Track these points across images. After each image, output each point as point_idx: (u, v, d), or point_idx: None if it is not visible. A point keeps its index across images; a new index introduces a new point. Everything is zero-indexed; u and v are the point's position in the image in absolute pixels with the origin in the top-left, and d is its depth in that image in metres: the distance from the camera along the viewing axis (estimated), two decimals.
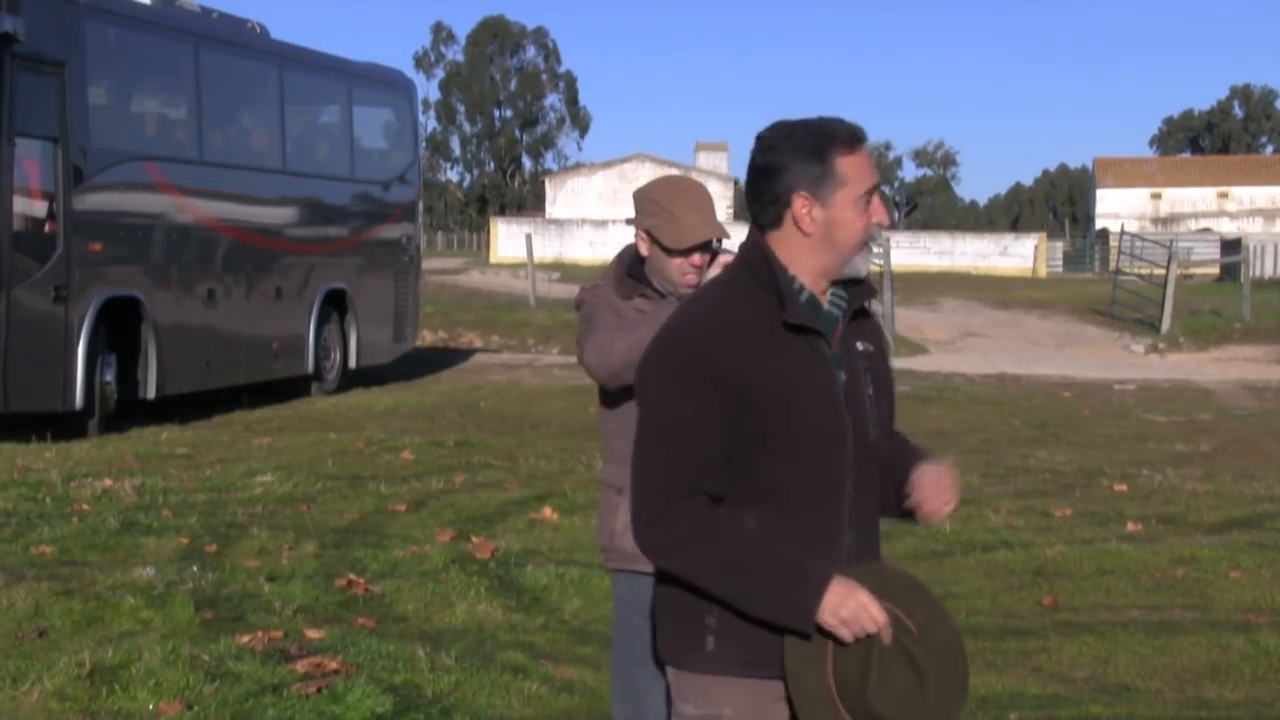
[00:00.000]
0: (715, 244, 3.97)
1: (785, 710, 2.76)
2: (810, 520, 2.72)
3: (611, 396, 3.95)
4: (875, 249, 2.79)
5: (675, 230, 3.87)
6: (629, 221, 4.06)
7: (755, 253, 2.79)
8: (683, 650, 2.78)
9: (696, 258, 3.89)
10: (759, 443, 2.70)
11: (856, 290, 2.84)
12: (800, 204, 2.74)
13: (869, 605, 2.62)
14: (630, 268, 4.01)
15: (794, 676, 2.68)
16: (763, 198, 2.76)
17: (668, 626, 2.82)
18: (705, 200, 3.94)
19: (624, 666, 4.12)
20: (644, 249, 3.96)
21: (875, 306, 2.97)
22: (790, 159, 2.73)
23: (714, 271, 3.77)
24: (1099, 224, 78.29)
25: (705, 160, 69.13)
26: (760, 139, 2.78)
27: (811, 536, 2.71)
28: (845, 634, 2.62)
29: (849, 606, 2.62)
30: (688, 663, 2.77)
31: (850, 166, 2.74)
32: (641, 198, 3.98)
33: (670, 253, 3.89)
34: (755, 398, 2.68)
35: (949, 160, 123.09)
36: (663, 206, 3.90)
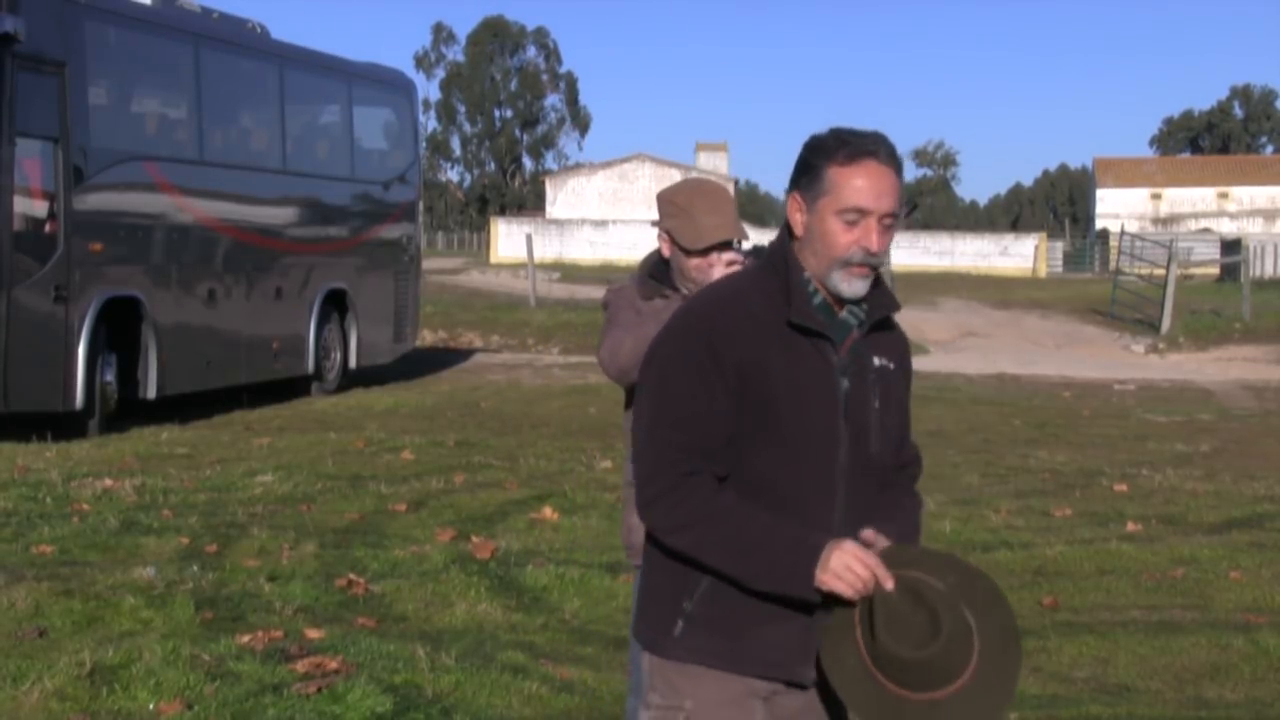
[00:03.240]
0: (735, 245, 4.01)
1: (758, 708, 2.75)
2: (801, 519, 2.72)
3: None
4: (862, 275, 2.68)
5: (693, 231, 3.95)
6: (653, 224, 4.13)
7: (776, 248, 2.81)
8: (655, 635, 2.80)
9: (715, 257, 3.93)
10: (753, 435, 2.72)
11: (878, 302, 2.81)
12: (791, 204, 2.78)
13: (858, 555, 2.63)
14: (654, 269, 4.09)
15: (830, 662, 2.67)
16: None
17: (645, 611, 2.85)
18: (725, 202, 4.01)
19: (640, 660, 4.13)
20: (666, 250, 4.05)
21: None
22: (800, 159, 2.77)
23: (718, 272, 3.79)
24: (1099, 224, 78.30)
25: (705, 160, 69.08)
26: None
27: None
28: (843, 588, 2.62)
29: (838, 559, 2.62)
30: (658, 647, 2.79)
31: (839, 177, 2.71)
32: (663, 199, 4.07)
33: (689, 253, 3.97)
34: (755, 388, 2.70)
35: (949, 160, 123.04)
36: (681, 208, 3.99)
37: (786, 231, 2.80)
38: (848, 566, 2.62)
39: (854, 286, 2.74)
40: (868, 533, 2.74)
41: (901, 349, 2.91)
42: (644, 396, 2.80)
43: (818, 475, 2.74)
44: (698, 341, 2.72)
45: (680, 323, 2.78)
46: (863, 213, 2.70)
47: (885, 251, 2.76)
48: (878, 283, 2.81)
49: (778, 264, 2.78)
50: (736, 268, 3.74)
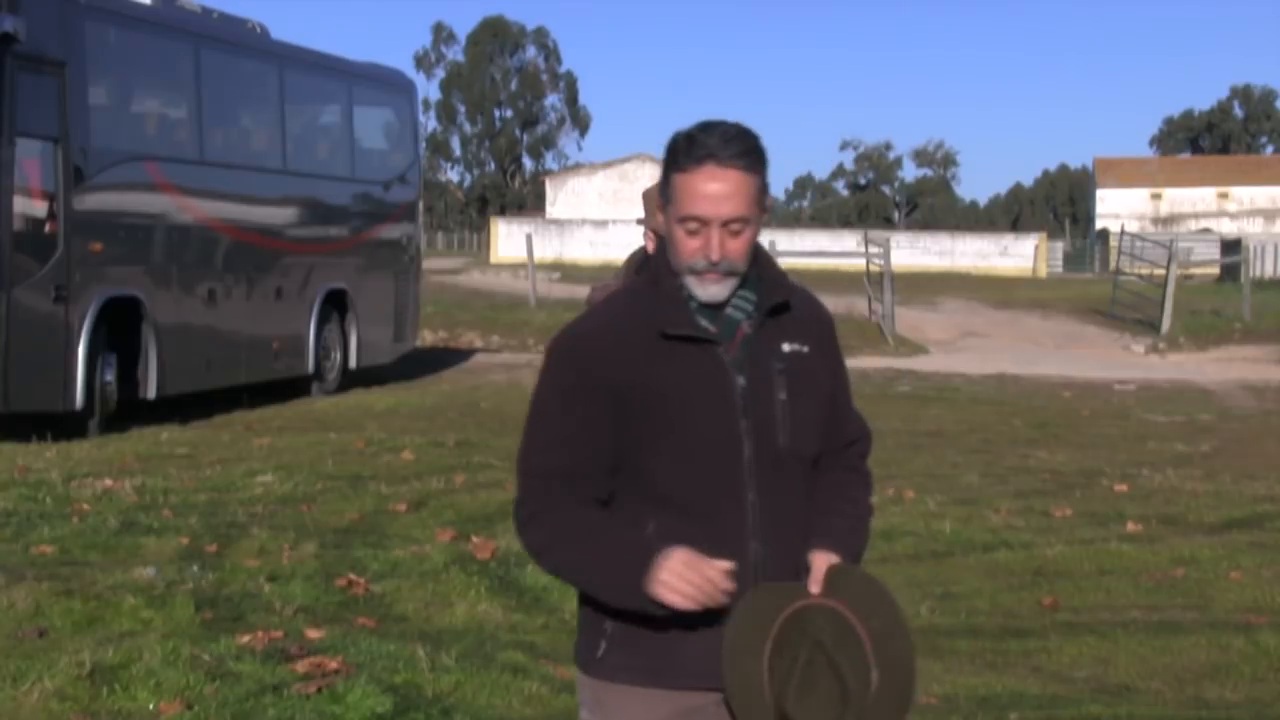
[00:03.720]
0: None
1: None
2: (711, 529, 2.63)
3: None
4: (714, 281, 2.62)
5: None
6: (639, 221, 4.09)
7: (655, 257, 2.77)
8: (583, 654, 2.76)
9: None
10: (650, 449, 2.65)
11: (769, 289, 2.72)
12: (659, 207, 2.74)
13: (687, 563, 2.52)
14: (640, 267, 4.04)
15: (733, 689, 2.60)
16: None
17: (579, 629, 2.80)
18: None
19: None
20: (651, 248, 4.00)
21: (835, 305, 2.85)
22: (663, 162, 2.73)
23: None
24: (1099, 224, 78.30)
25: None
26: None
27: (713, 545, 2.61)
28: (675, 599, 2.52)
29: (666, 570, 2.52)
30: (587, 667, 2.75)
31: (680, 183, 2.63)
32: (648, 198, 4.02)
33: None
34: (640, 405, 2.63)
35: (949, 160, 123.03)
36: None
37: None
38: (677, 575, 2.52)
39: (708, 292, 2.65)
40: (816, 557, 2.66)
41: (817, 329, 2.79)
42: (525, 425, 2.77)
43: (723, 481, 2.65)
44: (567, 367, 2.68)
45: (551, 350, 2.74)
46: (701, 221, 2.61)
47: (743, 256, 2.65)
48: (769, 267, 2.73)
49: (657, 270, 2.72)
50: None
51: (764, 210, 2.68)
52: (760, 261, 2.72)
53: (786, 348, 2.72)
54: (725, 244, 2.62)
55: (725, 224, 2.61)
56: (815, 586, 2.64)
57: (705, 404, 2.64)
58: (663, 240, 2.73)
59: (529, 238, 33.49)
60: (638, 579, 2.55)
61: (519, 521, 2.72)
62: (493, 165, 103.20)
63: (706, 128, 2.64)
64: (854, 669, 2.57)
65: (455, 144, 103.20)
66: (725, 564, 2.55)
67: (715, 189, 2.60)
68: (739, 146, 2.62)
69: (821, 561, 2.66)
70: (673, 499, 2.65)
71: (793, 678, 2.57)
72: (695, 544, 2.61)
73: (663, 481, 2.65)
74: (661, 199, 2.69)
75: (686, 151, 2.62)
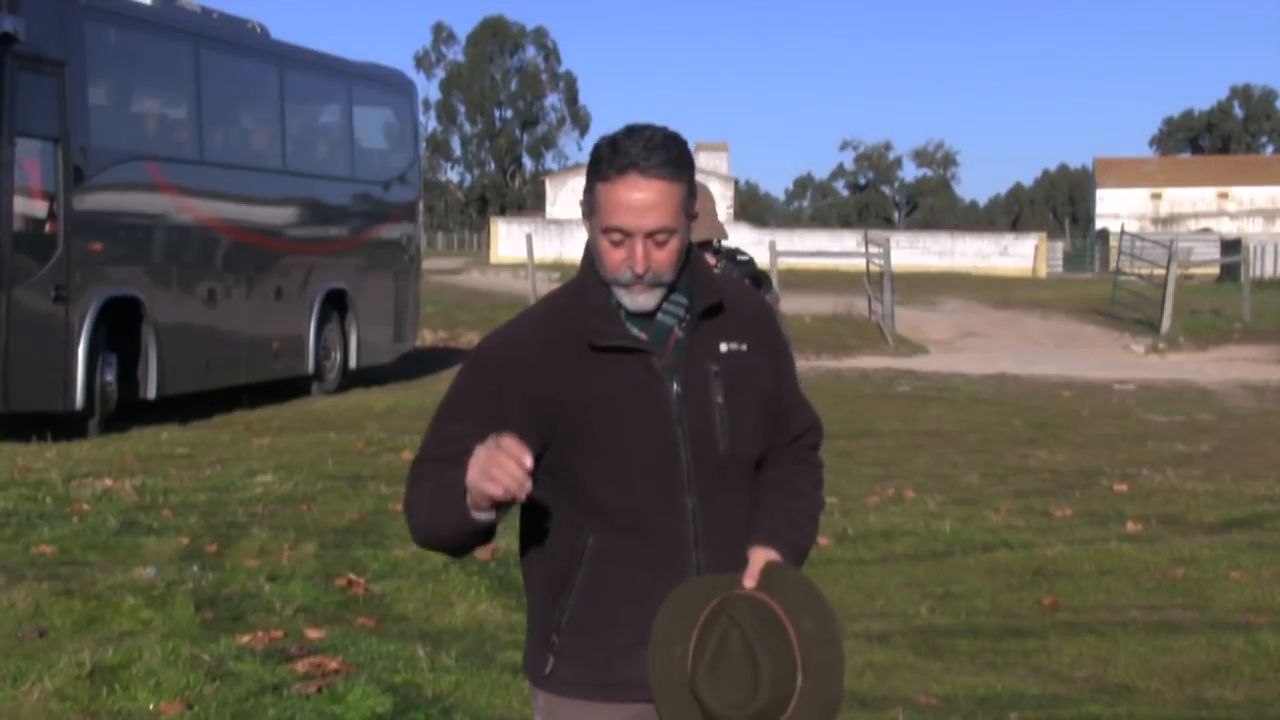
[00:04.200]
0: (715, 245, 3.96)
1: None
2: (650, 540, 2.59)
3: None
4: (642, 291, 2.57)
5: None
6: None
7: (585, 264, 2.68)
8: (533, 668, 2.72)
9: None
10: (583, 463, 2.59)
11: (701, 291, 2.65)
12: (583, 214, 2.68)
13: (503, 446, 2.40)
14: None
15: (654, 676, 2.57)
16: None
17: (527, 642, 2.77)
18: (704, 202, 3.92)
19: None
20: None
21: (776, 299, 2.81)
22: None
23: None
24: (1099, 224, 78.31)
25: (705, 160, 69.08)
26: None
27: (654, 557, 2.59)
28: (489, 486, 2.40)
29: (479, 457, 2.43)
30: (538, 681, 2.71)
31: (603, 194, 2.56)
32: None
33: None
34: (570, 419, 2.57)
35: (949, 160, 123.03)
36: None
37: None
38: (477, 468, 2.42)
39: (636, 302, 2.59)
40: (754, 553, 2.61)
41: (756, 325, 2.73)
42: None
43: (660, 492, 2.58)
44: (482, 376, 2.64)
45: (469, 358, 2.71)
46: (625, 232, 2.55)
47: (669, 266, 2.58)
48: (701, 270, 2.68)
49: (585, 278, 2.66)
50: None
51: (691, 217, 2.62)
52: (692, 264, 2.66)
53: (724, 348, 2.65)
54: (651, 254, 2.56)
55: (650, 235, 2.55)
56: (750, 581, 2.58)
57: (638, 414, 2.57)
58: (589, 249, 2.66)
59: (529, 238, 33.48)
60: (458, 485, 2.48)
61: (403, 502, 2.71)
62: (493, 165, 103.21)
63: (630, 133, 2.57)
64: (774, 661, 2.52)
65: (455, 144, 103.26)
66: (514, 445, 2.41)
67: (639, 199, 2.53)
68: (663, 155, 2.54)
69: (760, 557, 2.61)
70: (608, 511, 2.60)
71: (703, 656, 2.53)
72: (635, 556, 2.59)
73: (598, 495, 2.59)
74: (585, 208, 2.62)
75: (609, 160, 2.55)
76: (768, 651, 2.52)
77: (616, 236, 2.56)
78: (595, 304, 2.62)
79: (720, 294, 2.68)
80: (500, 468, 2.40)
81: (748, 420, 2.65)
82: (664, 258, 2.57)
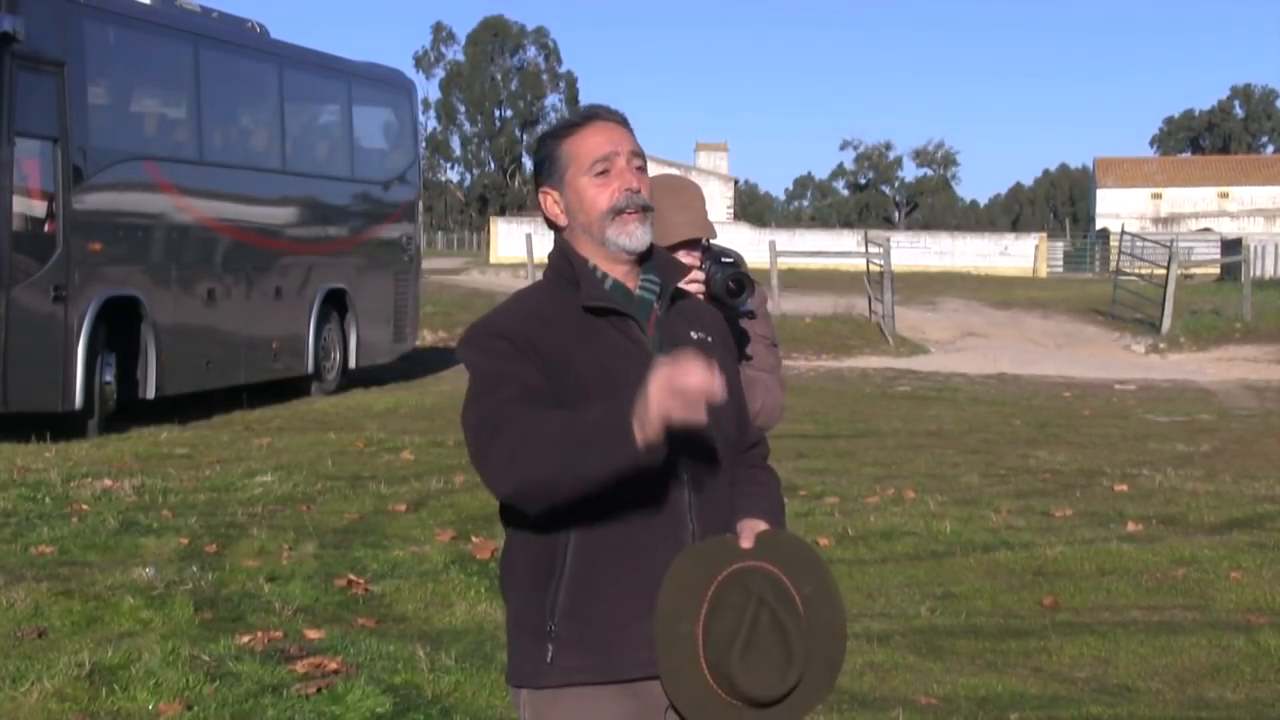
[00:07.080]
0: (704, 243, 3.95)
1: None
2: (644, 508, 2.58)
3: None
4: (638, 221, 2.62)
5: (659, 228, 3.84)
6: None
7: (555, 253, 2.76)
8: (525, 666, 2.66)
9: (683, 255, 3.86)
10: None
11: (666, 270, 2.74)
12: (543, 200, 2.73)
13: (669, 381, 2.34)
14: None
15: (663, 656, 2.55)
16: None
17: (513, 645, 2.71)
18: (693, 199, 3.90)
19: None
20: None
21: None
22: (535, 159, 2.77)
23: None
24: (1099, 224, 78.29)
25: (705, 160, 69.12)
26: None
27: (648, 526, 2.58)
28: (678, 409, 2.34)
29: (660, 381, 2.35)
30: (534, 679, 2.65)
31: (573, 145, 2.69)
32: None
33: None
34: (569, 378, 2.58)
35: (949, 160, 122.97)
36: None
37: (556, 231, 2.75)
38: (673, 380, 2.33)
39: (634, 237, 2.67)
40: (744, 523, 2.63)
41: (715, 320, 2.83)
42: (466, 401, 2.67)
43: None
44: (495, 340, 2.62)
45: (476, 327, 2.69)
46: (609, 158, 2.67)
47: (650, 194, 2.70)
48: (660, 251, 2.74)
49: (559, 264, 2.72)
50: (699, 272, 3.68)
51: None
52: (654, 249, 2.77)
53: (694, 335, 2.74)
54: (639, 177, 2.69)
55: (629, 157, 2.68)
56: (746, 543, 2.60)
57: (631, 384, 2.52)
58: (563, 239, 2.74)
59: (529, 238, 33.46)
60: (623, 421, 2.39)
61: (479, 456, 2.53)
62: (493, 165, 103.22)
63: (571, 111, 2.73)
64: (803, 638, 2.54)
65: (455, 144, 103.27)
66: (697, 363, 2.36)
67: (611, 133, 2.70)
68: (618, 114, 2.74)
69: (751, 526, 2.64)
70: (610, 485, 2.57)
71: (737, 638, 2.52)
72: (629, 528, 2.58)
73: None
74: (550, 183, 2.71)
75: (572, 118, 2.73)
76: (797, 628, 2.55)
77: (601, 167, 2.67)
78: (581, 274, 2.69)
79: (685, 273, 2.80)
80: (686, 371, 2.33)
81: (726, 406, 2.62)
82: (646, 182, 2.71)
